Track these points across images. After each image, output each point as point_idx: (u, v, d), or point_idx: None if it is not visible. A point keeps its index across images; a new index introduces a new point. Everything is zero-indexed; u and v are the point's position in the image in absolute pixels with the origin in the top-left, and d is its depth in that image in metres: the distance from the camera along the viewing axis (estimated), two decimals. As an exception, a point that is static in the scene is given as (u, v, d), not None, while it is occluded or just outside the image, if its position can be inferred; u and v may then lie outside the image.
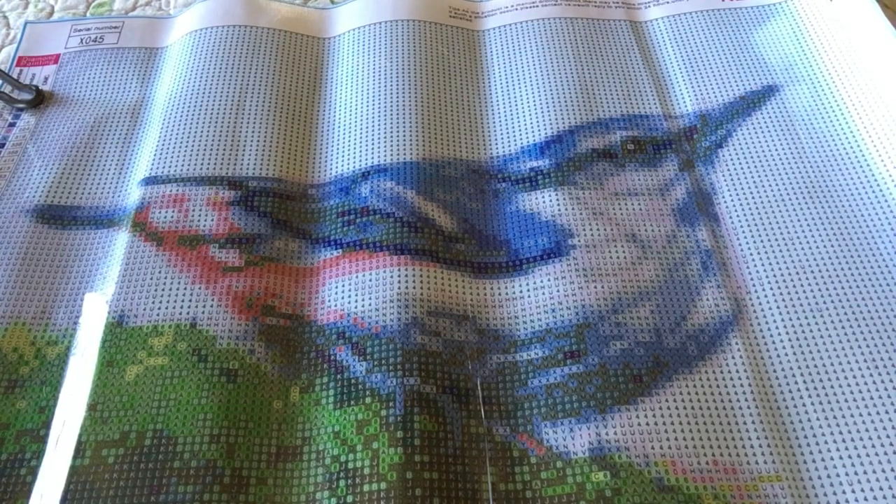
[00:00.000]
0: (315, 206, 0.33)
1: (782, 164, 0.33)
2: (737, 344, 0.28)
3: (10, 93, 0.37)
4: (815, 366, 0.27)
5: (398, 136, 0.34)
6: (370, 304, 0.29)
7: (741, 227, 0.31)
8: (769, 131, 0.34)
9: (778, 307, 0.29)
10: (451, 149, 0.34)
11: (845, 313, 0.28)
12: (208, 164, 0.33)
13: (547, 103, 0.35)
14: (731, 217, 0.31)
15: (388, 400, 0.26)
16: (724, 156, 0.33)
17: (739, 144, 0.34)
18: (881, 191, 0.31)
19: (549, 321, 0.29)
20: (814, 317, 0.28)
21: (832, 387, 0.26)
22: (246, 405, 0.27)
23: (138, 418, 0.26)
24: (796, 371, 0.27)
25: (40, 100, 0.37)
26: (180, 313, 0.29)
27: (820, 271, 0.29)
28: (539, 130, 0.35)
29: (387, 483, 0.25)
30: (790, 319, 0.28)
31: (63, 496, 0.24)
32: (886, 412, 0.26)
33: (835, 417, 0.26)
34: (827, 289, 0.29)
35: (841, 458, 0.25)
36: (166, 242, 0.31)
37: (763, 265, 0.30)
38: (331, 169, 0.34)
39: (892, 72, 0.33)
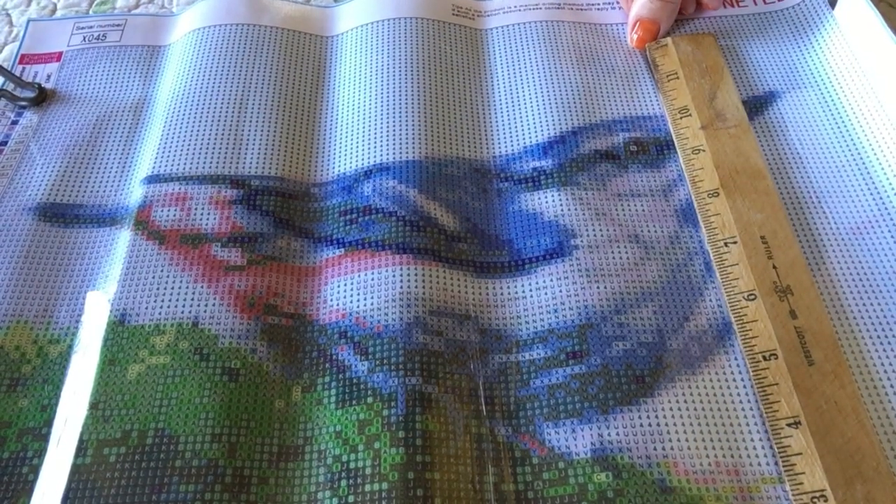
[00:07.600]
0: (317, 204, 0.33)
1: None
2: (739, 345, 0.28)
3: (13, 90, 0.37)
4: (818, 367, 0.27)
5: (401, 134, 0.34)
6: (372, 304, 0.29)
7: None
8: (770, 137, 0.34)
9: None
10: (453, 148, 0.34)
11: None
12: (211, 162, 0.33)
13: (550, 104, 0.35)
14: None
15: (389, 400, 0.26)
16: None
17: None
18: (881, 199, 0.31)
19: (552, 321, 0.29)
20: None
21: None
22: (248, 404, 0.27)
23: (140, 417, 0.26)
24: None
25: (43, 98, 0.37)
26: (182, 312, 0.29)
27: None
28: (542, 131, 0.34)
29: (388, 483, 0.25)
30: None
31: (65, 495, 0.24)
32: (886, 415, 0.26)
33: (837, 419, 0.26)
34: (827, 290, 0.29)
35: (843, 460, 0.25)
36: (168, 241, 0.31)
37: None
38: (333, 167, 0.34)
39: (893, 79, 0.33)
